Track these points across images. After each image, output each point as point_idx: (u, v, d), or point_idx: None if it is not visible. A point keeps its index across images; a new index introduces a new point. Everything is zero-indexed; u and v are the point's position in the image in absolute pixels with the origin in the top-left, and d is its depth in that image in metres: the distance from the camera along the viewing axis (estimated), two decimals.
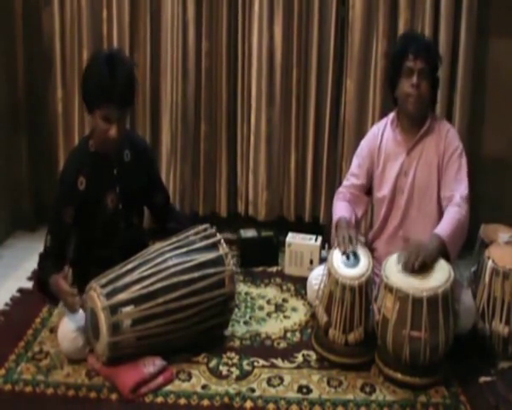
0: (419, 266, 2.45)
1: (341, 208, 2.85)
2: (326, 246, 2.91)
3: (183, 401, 2.39)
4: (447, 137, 2.74)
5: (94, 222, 2.62)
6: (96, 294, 2.42)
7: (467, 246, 2.86)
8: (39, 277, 2.68)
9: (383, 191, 2.84)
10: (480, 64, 3.43)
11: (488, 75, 3.49)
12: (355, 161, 2.93)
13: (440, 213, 2.72)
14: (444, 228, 2.58)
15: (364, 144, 2.92)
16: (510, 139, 3.55)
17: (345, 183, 2.96)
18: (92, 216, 2.60)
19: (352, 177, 2.92)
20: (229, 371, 2.57)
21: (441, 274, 2.46)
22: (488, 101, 3.52)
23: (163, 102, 3.59)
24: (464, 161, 2.73)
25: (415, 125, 2.76)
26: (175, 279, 2.51)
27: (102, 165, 2.63)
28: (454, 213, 2.62)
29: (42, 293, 2.66)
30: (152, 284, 2.48)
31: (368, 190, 2.93)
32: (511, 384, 2.49)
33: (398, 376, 2.49)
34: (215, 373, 2.55)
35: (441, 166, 2.73)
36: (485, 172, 3.59)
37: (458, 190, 2.67)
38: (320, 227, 3.55)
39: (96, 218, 2.62)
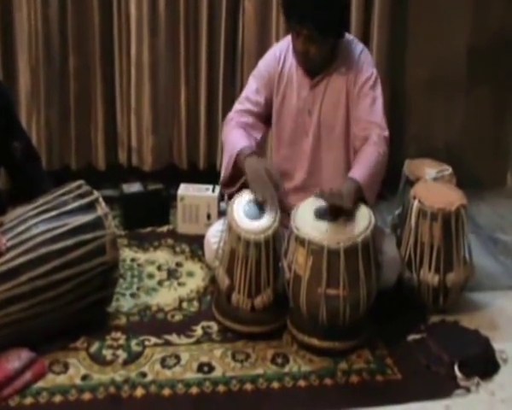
0: (345, 209, 2.33)
1: (239, 137, 2.59)
2: (225, 196, 2.77)
3: (58, 398, 2.20)
4: (358, 63, 2.55)
5: None
6: None
7: (390, 185, 2.81)
8: None
9: (284, 127, 2.66)
10: None
11: None
12: (252, 84, 2.69)
13: (353, 157, 2.59)
14: (359, 171, 2.45)
15: (263, 68, 2.69)
16: (435, 62, 3.42)
17: (238, 106, 2.71)
18: None
19: (248, 103, 2.68)
20: (114, 354, 2.41)
21: (360, 221, 2.37)
22: (410, 17, 3.34)
23: (18, 32, 3.22)
24: (379, 92, 2.56)
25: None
26: (43, 250, 2.30)
27: None
28: (370, 153, 2.49)
29: None
30: (12, 258, 2.26)
31: (265, 119, 2.70)
32: (443, 340, 2.44)
33: (315, 342, 2.41)
34: (97, 360, 2.38)
35: (351, 98, 2.56)
36: (409, 101, 3.50)
37: (374, 128, 2.52)
38: (217, 175, 3.28)
39: None
